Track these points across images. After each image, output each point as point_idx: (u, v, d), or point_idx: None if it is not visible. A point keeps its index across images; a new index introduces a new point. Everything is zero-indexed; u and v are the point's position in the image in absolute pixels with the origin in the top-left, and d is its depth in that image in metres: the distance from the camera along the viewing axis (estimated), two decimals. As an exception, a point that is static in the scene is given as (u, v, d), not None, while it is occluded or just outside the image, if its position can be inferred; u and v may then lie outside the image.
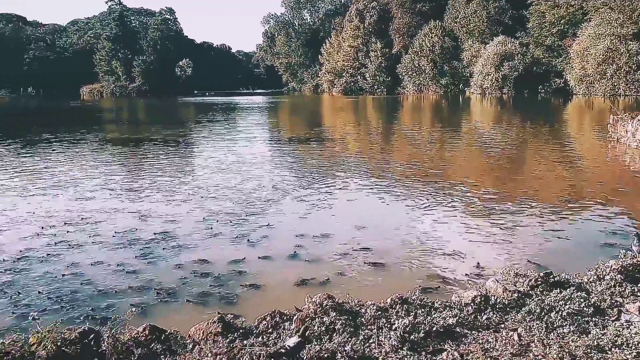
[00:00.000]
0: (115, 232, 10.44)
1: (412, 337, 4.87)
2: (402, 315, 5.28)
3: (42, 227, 10.86)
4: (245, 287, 7.78)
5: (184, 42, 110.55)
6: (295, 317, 5.14)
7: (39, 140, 27.79)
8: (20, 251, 9.38)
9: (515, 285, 6.33)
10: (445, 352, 4.74)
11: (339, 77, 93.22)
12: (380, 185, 14.93)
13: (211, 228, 10.69)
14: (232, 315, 5.50)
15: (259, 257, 8.97)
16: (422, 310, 5.47)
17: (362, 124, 38.17)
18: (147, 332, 4.80)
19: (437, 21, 77.11)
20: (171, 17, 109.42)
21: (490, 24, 71.38)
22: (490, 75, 66.15)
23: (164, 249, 9.51)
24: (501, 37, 67.29)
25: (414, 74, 79.17)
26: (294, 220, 11.31)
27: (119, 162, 20.80)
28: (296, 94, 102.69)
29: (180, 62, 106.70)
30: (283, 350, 4.34)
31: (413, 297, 5.75)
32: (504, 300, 5.86)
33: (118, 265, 8.69)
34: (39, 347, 4.39)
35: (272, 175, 16.46)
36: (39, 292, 7.66)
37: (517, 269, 6.85)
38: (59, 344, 4.43)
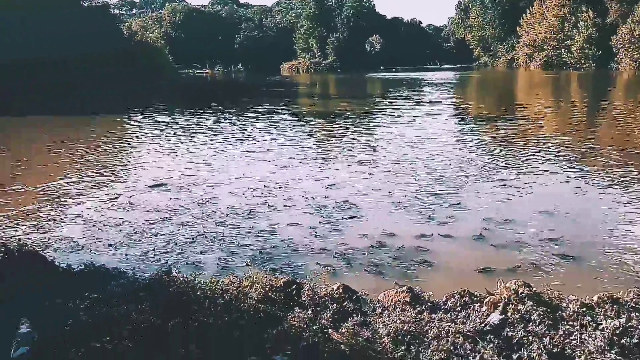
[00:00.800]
0: (306, 198, 11.30)
1: (622, 340, 4.32)
2: (612, 316, 4.70)
3: (248, 188, 12.31)
4: (426, 263, 7.79)
5: (376, 18, 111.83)
6: (486, 300, 4.95)
7: (245, 110, 31.29)
8: (229, 207, 10.79)
9: None
10: (665, 366, 4.11)
11: (538, 50, 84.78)
12: (580, 172, 13.28)
13: (399, 202, 10.84)
14: (419, 288, 5.55)
15: (441, 235, 8.86)
16: (637, 314, 4.79)
17: (564, 103, 34.04)
18: (340, 290, 5.14)
19: (670, -17, 64.67)
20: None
21: None
22: None
23: (348, 217, 9.97)
24: None
25: (633, 47, 67.92)
26: (482, 202, 10.81)
27: (311, 133, 22.32)
28: (488, 69, 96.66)
29: (371, 38, 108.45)
30: (487, 328, 4.23)
31: (626, 298, 5.06)
32: None
33: (309, 228, 9.43)
34: (251, 290, 5.04)
35: (460, 154, 15.91)
36: (240, 245, 8.73)
37: None
38: (267, 289, 5.03)
